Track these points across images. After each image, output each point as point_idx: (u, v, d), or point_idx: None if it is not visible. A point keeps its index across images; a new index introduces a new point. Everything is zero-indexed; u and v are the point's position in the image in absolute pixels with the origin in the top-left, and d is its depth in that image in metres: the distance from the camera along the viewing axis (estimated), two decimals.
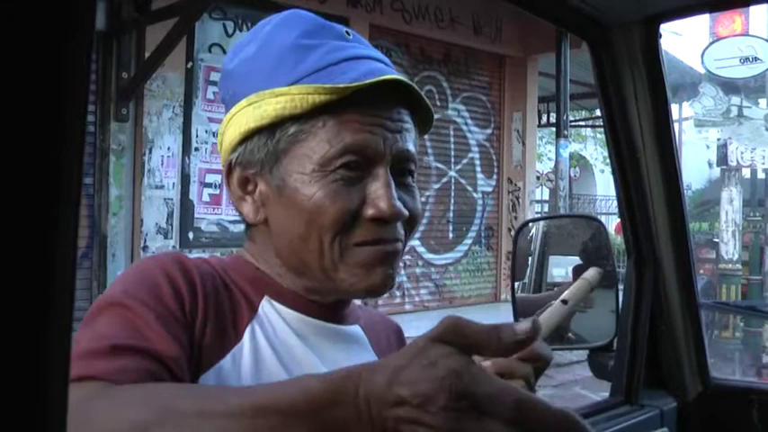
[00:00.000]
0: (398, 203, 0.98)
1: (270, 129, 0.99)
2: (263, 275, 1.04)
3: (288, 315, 1.02)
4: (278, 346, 0.99)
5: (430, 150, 10.76)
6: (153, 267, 0.95)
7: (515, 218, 11.51)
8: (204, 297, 0.95)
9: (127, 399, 0.74)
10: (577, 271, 1.74)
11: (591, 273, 1.04)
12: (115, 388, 0.76)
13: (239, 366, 0.94)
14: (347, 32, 1.06)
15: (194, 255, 7.74)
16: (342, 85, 0.95)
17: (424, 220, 10.63)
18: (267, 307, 1.01)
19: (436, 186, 10.86)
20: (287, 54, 1.00)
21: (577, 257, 1.74)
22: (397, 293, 10.27)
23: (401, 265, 10.18)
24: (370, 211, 0.97)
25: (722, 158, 12.68)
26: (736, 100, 11.99)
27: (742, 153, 12.51)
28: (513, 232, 10.22)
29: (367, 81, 0.95)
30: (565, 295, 1.00)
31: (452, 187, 11.13)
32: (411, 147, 1.03)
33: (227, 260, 1.07)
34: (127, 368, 0.80)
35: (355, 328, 1.10)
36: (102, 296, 0.93)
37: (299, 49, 1.00)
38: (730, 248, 12.41)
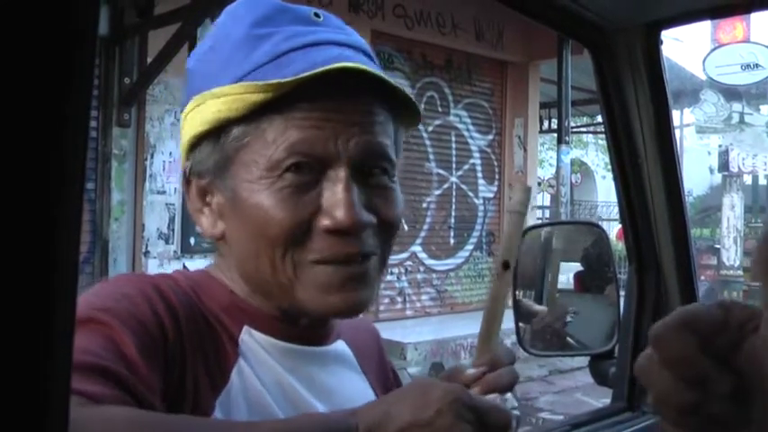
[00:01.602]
0: (359, 210, 0.85)
1: (215, 133, 0.88)
2: (238, 300, 0.93)
3: (270, 346, 0.92)
4: (267, 383, 0.89)
5: (431, 156, 10.76)
6: (133, 289, 0.85)
7: None
8: (187, 335, 0.85)
9: (113, 421, 0.68)
10: (579, 277, 1.75)
11: (514, 199, 0.94)
12: (99, 408, 0.69)
13: (229, 412, 0.85)
14: (316, 14, 0.92)
15: (194, 261, 7.70)
16: (277, 81, 0.83)
17: (426, 226, 10.63)
18: (248, 340, 0.91)
19: (437, 192, 10.85)
20: (237, 47, 0.89)
21: (578, 264, 1.74)
22: (399, 299, 10.26)
23: (402, 271, 10.21)
24: (324, 222, 0.85)
25: (723, 165, 12.70)
26: (737, 107, 12.01)
27: (743, 159, 12.52)
28: None
29: (309, 73, 0.82)
30: (503, 256, 0.91)
31: (454, 193, 11.12)
32: (381, 140, 0.89)
33: (197, 279, 0.95)
34: (104, 393, 0.71)
35: (339, 345, 1.01)
36: (78, 309, 0.84)
37: (250, 40, 0.88)
38: (732, 255, 12.41)
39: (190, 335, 0.86)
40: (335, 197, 0.85)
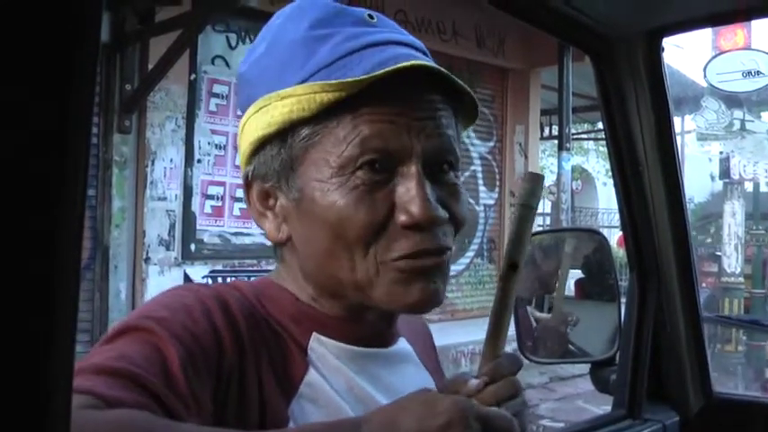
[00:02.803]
0: (434, 205, 0.86)
1: (281, 135, 0.88)
2: (305, 307, 0.92)
3: (339, 350, 0.92)
4: (338, 389, 0.89)
5: None
6: (193, 300, 0.84)
7: None
8: (250, 346, 0.85)
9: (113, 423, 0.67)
10: (580, 285, 1.74)
11: (522, 191, 0.91)
12: (110, 411, 0.69)
13: (303, 420, 0.84)
14: (370, 16, 0.93)
15: (195, 268, 7.71)
16: (350, 80, 0.83)
17: None
18: (317, 347, 0.91)
19: None
20: (297, 49, 0.89)
21: (579, 271, 1.74)
22: None
23: None
24: (401, 218, 0.85)
25: (725, 172, 12.69)
26: (738, 114, 12.01)
27: (744, 166, 12.53)
28: None
29: (381, 71, 0.83)
30: (510, 255, 0.90)
31: None
32: (449, 134, 0.90)
33: (260, 288, 0.95)
34: (122, 397, 0.71)
35: (402, 344, 1.01)
36: (126, 318, 0.82)
37: (310, 41, 0.89)
38: (733, 262, 12.40)
39: (254, 346, 0.85)
40: (410, 193, 0.85)
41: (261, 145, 0.90)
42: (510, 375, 0.89)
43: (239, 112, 0.97)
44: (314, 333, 0.91)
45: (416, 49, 0.93)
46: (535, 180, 0.93)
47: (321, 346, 0.91)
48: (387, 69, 0.83)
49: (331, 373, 0.90)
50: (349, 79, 0.83)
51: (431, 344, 1.16)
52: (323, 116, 0.85)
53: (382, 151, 0.85)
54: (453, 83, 0.89)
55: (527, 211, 0.91)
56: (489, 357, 0.90)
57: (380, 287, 0.87)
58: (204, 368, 0.79)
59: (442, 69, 0.88)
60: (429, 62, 0.88)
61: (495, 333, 0.92)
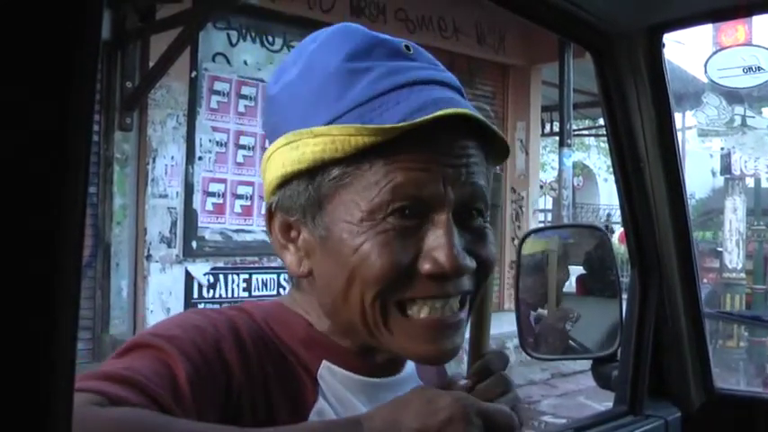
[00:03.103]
0: (462, 255, 0.84)
1: (310, 172, 0.86)
2: (316, 334, 0.92)
3: (349, 380, 0.91)
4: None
5: None
6: (204, 322, 0.85)
7: (519, 227, 11.50)
8: (258, 370, 0.85)
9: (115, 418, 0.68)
10: (581, 281, 1.74)
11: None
12: (116, 408, 0.70)
13: None
14: (407, 47, 0.91)
15: (196, 265, 7.72)
16: (389, 126, 0.81)
17: None
18: (327, 375, 0.90)
19: None
20: (331, 81, 0.86)
21: (581, 267, 1.74)
22: None
23: None
24: (426, 266, 0.83)
25: (726, 168, 12.68)
26: (739, 109, 12.00)
27: (745, 162, 12.51)
28: (516, 242, 10.21)
29: (420, 119, 0.81)
30: None
31: None
32: (481, 183, 0.88)
33: (271, 311, 0.94)
34: (128, 397, 0.72)
35: (409, 370, 0.99)
36: (137, 336, 0.83)
37: (345, 74, 0.86)
38: (734, 258, 12.39)
39: (262, 368, 0.85)
40: (439, 241, 0.83)
41: (288, 179, 0.88)
42: (498, 371, 0.90)
43: (261, 131, 0.98)
44: (324, 361, 0.91)
45: (452, 87, 0.92)
46: (497, 179, 0.96)
47: (331, 375, 0.90)
48: (426, 117, 0.81)
49: (340, 404, 0.90)
50: (387, 125, 0.81)
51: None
52: (356, 158, 0.83)
53: (415, 198, 0.84)
54: (488, 128, 0.88)
55: (494, 210, 0.94)
56: (476, 356, 0.91)
57: (393, 338, 0.86)
58: (212, 386, 0.79)
59: (480, 116, 0.86)
60: (468, 108, 0.86)
61: (479, 332, 0.93)
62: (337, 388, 0.90)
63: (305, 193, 0.87)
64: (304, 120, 0.86)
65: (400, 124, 0.81)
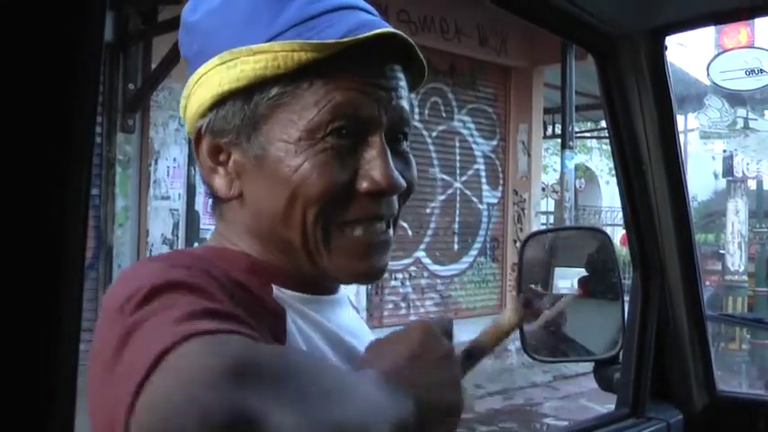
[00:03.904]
0: (396, 174, 0.88)
1: (247, 91, 0.86)
2: (257, 261, 0.91)
3: (298, 299, 0.91)
4: (314, 333, 0.91)
5: (435, 162, 10.76)
6: (188, 260, 0.84)
7: (521, 229, 11.49)
8: (239, 306, 0.81)
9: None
10: (583, 283, 1.74)
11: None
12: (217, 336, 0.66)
13: None
14: None
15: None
16: (331, 41, 0.83)
17: (430, 232, 10.62)
18: (281, 296, 0.90)
19: (441, 198, 10.85)
20: (262, 4, 0.87)
21: (583, 269, 1.74)
22: (403, 305, 10.24)
23: (406, 276, 10.21)
24: (364, 184, 0.87)
25: (728, 170, 12.68)
26: (741, 112, 12.00)
27: (748, 165, 12.51)
28: (518, 244, 10.21)
29: (359, 36, 0.84)
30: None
31: (458, 199, 11.12)
32: (407, 106, 0.93)
33: (207, 253, 0.92)
34: (226, 327, 0.68)
35: (342, 290, 1.02)
36: (145, 283, 0.75)
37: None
38: (736, 260, 12.39)
39: (238, 302, 0.83)
40: (375, 161, 0.87)
41: (222, 99, 0.88)
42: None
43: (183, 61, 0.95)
44: (272, 285, 0.90)
45: (375, 15, 0.95)
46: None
47: (284, 295, 0.91)
48: (367, 35, 0.84)
49: (303, 318, 0.91)
50: (330, 41, 0.83)
51: None
52: (295, 77, 0.85)
53: (353, 119, 0.86)
54: (413, 50, 0.92)
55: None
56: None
57: (328, 258, 0.89)
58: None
59: (408, 38, 0.90)
60: (396, 30, 0.90)
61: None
62: (294, 305, 0.91)
63: (240, 113, 0.87)
64: (237, 41, 0.86)
65: (343, 39, 0.83)
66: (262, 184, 0.89)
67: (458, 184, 11.11)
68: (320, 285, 0.95)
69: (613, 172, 1.72)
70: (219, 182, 0.92)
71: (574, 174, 11.20)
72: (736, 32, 11.56)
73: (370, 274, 0.92)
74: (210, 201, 0.97)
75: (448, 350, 0.86)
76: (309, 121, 0.85)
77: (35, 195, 0.34)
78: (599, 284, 1.74)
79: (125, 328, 0.71)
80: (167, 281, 0.75)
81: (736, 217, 12.54)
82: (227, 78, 0.86)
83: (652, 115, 1.62)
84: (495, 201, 11.67)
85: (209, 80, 0.88)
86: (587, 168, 22.40)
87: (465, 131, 11.22)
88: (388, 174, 0.86)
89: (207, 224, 8.08)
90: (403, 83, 0.92)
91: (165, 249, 7.74)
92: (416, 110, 10.52)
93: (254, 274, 0.90)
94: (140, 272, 0.84)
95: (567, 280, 1.75)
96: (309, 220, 0.86)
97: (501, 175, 11.74)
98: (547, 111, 12.59)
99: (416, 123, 10.49)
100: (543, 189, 12.35)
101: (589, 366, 1.72)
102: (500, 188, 11.73)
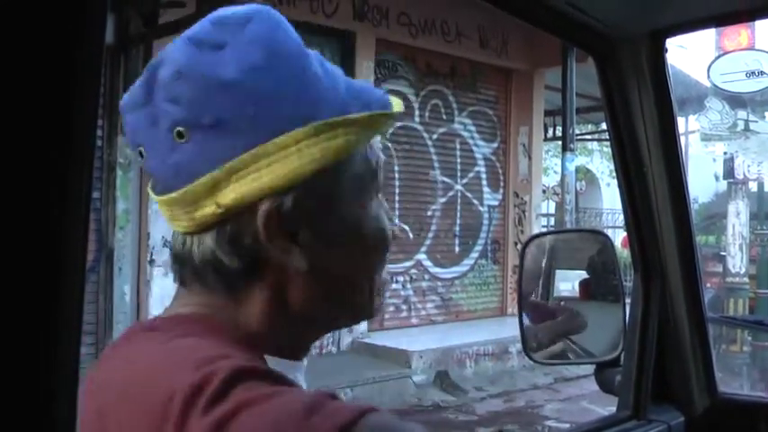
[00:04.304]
0: None
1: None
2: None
3: (288, 367, 0.84)
4: None
5: (436, 164, 10.77)
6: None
7: (522, 231, 11.50)
8: None
9: None
10: (584, 285, 1.74)
11: None
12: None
13: None
14: None
15: None
16: (396, 112, 0.86)
17: (430, 234, 10.63)
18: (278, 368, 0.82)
19: (442, 200, 10.86)
20: (313, 70, 0.81)
21: (584, 272, 1.74)
22: (404, 307, 10.25)
23: (407, 279, 10.22)
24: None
25: (729, 172, 12.67)
26: (742, 114, 11.99)
27: (749, 167, 12.51)
28: (519, 246, 10.21)
29: (396, 108, 0.87)
30: None
31: (458, 201, 11.12)
32: None
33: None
34: None
35: None
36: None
37: (314, 61, 0.82)
38: (737, 262, 12.38)
39: None
40: (388, 214, 0.91)
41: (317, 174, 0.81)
42: None
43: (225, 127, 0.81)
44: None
45: None
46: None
47: (274, 363, 0.82)
48: (395, 108, 0.86)
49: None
50: (393, 111, 0.85)
51: None
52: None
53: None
54: None
55: None
56: None
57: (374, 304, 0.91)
58: None
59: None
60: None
61: None
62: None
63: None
64: (319, 110, 0.80)
65: (391, 111, 0.86)
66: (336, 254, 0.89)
67: (458, 187, 11.11)
68: (304, 350, 0.91)
69: (614, 174, 1.72)
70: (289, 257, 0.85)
71: (574, 176, 11.21)
72: (737, 35, 11.55)
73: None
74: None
75: None
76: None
77: (36, 197, 0.34)
78: (600, 287, 1.74)
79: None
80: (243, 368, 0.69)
81: (737, 219, 12.53)
82: (329, 151, 0.80)
83: (653, 117, 1.62)
84: (495, 203, 11.68)
85: (305, 153, 0.79)
86: (588, 170, 22.40)
87: (466, 134, 11.24)
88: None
89: None
90: None
91: (166, 252, 7.74)
92: (417, 112, 10.53)
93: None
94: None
95: (568, 282, 1.75)
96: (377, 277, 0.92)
97: (502, 178, 11.75)
98: (547, 113, 12.61)
99: (417, 126, 10.49)
100: (544, 191, 12.36)
101: (590, 369, 1.72)
102: (501, 190, 11.74)
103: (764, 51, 11.54)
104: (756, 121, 12.17)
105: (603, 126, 13.06)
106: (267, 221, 0.80)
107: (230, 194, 0.79)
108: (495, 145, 11.68)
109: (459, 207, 11.14)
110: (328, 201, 0.83)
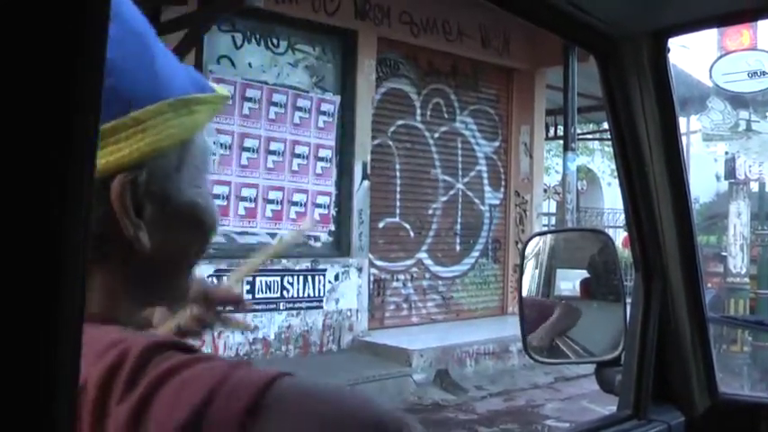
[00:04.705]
0: None
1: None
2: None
3: None
4: None
5: (437, 163, 10.77)
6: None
7: (522, 231, 11.50)
8: None
9: None
10: (585, 285, 1.74)
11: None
12: None
13: None
14: None
15: (203, 265, 7.81)
16: (228, 93, 0.91)
17: (431, 233, 10.64)
18: None
19: (443, 199, 10.85)
20: (161, 47, 0.83)
21: (584, 271, 1.74)
22: (404, 306, 10.25)
23: (407, 277, 10.22)
24: None
25: (730, 172, 12.67)
26: (744, 114, 11.99)
27: (750, 167, 12.51)
28: (520, 245, 10.21)
29: (225, 92, 0.91)
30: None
31: (460, 200, 11.12)
32: None
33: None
34: None
35: None
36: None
37: (159, 41, 0.84)
38: (738, 262, 12.38)
39: None
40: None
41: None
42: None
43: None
44: None
45: None
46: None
47: None
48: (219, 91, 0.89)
49: None
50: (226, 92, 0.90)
51: None
52: None
53: None
54: None
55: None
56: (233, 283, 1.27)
57: None
58: None
59: None
60: None
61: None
62: None
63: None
64: (176, 89, 0.83)
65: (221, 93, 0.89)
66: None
67: (460, 186, 11.11)
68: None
69: (615, 174, 1.72)
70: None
71: (576, 175, 11.21)
72: (739, 35, 11.55)
73: None
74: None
75: None
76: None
77: (37, 196, 0.34)
78: (601, 286, 1.74)
79: None
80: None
81: (738, 219, 12.53)
82: (186, 126, 0.83)
83: (654, 117, 1.62)
84: (496, 202, 11.67)
85: (159, 127, 0.80)
86: (589, 170, 22.41)
87: (467, 133, 11.23)
88: None
89: None
90: None
91: None
92: (419, 111, 10.53)
93: None
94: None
95: (568, 281, 1.75)
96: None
97: (503, 177, 11.75)
98: (549, 112, 12.61)
99: (419, 124, 10.49)
100: (545, 191, 12.36)
101: (591, 368, 1.72)
102: (502, 189, 11.74)
103: (766, 51, 11.54)
104: (758, 122, 12.17)
105: (605, 125, 13.07)
106: (122, 195, 0.78)
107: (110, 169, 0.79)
108: (497, 144, 11.68)
109: (460, 206, 11.14)
110: (174, 179, 0.82)
